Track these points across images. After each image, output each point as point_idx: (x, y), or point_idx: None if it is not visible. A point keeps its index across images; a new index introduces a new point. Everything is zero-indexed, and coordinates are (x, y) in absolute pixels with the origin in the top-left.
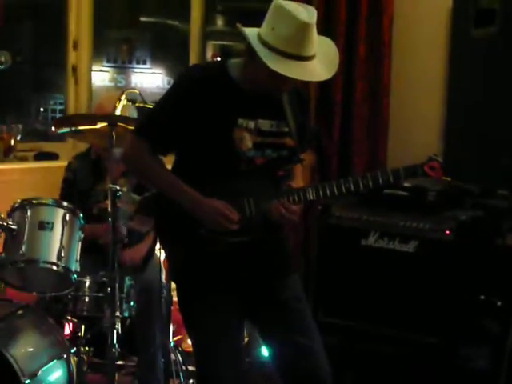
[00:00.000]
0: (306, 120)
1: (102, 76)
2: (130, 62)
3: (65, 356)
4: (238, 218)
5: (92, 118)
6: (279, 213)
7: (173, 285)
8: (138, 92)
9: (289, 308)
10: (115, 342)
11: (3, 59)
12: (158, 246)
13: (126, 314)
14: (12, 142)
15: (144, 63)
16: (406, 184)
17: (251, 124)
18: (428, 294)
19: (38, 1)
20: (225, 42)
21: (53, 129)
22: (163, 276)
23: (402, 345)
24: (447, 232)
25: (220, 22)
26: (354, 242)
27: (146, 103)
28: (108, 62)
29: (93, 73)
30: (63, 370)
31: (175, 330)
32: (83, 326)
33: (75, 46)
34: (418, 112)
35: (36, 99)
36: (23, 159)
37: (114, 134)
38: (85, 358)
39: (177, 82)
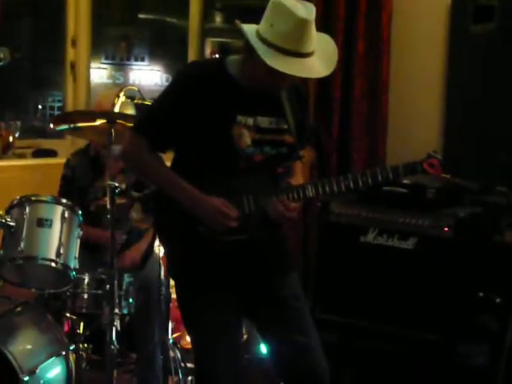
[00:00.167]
0: (305, 117)
1: (100, 73)
2: (129, 59)
3: (63, 353)
4: (237, 215)
5: (91, 115)
6: (278, 210)
7: (172, 282)
8: (136, 89)
9: (287, 306)
10: (114, 339)
11: (2, 56)
12: (157, 243)
13: (125, 311)
14: (10, 138)
15: (142, 60)
16: (405, 181)
17: (250, 121)
18: (427, 290)
19: None
20: (223, 39)
21: (51, 126)
22: (162, 273)
23: (401, 342)
24: (446, 229)
25: (218, 19)
26: (353, 238)
27: (144, 100)
28: (106, 59)
29: (91, 70)
30: (62, 366)
31: (174, 327)
32: (82, 323)
33: (74, 43)
34: (416, 108)
35: (34, 96)
36: (21, 156)
37: (112, 130)
38: (83, 355)
39: (175, 79)
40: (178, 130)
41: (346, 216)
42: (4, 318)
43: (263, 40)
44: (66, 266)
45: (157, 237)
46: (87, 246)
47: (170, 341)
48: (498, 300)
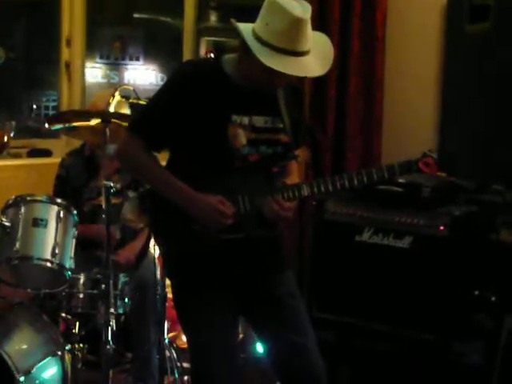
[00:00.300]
0: (301, 116)
1: (94, 72)
2: (123, 59)
3: (59, 353)
4: (233, 212)
5: (86, 115)
6: (273, 209)
7: (167, 281)
8: (131, 88)
9: (283, 304)
10: (110, 338)
11: None
12: (152, 242)
13: (121, 311)
14: (5, 138)
15: (137, 60)
16: (400, 180)
17: (245, 120)
18: (422, 289)
19: None
20: (218, 38)
21: (46, 125)
22: (158, 273)
23: (396, 341)
24: (441, 228)
25: (213, 18)
26: (348, 237)
27: (139, 100)
28: (101, 58)
29: (86, 69)
30: (57, 366)
31: (170, 327)
32: (77, 323)
33: (68, 43)
34: (412, 107)
35: (29, 96)
36: (17, 156)
37: (107, 130)
38: (79, 354)
39: (170, 79)
40: (173, 129)
41: (341, 215)
42: None
43: (259, 39)
44: (61, 266)
45: (152, 236)
46: (83, 245)
47: (166, 340)
48: (493, 298)
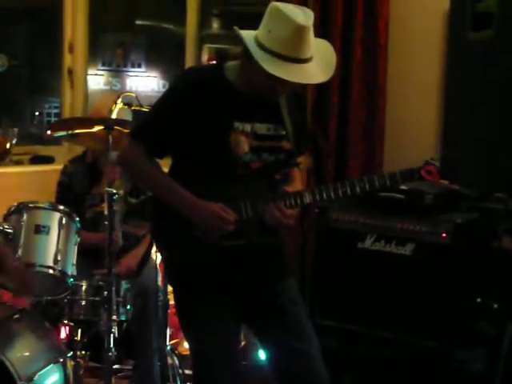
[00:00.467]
0: (304, 123)
1: (97, 79)
2: (125, 66)
3: (61, 360)
4: (235, 218)
5: (88, 122)
6: (275, 216)
7: (169, 288)
8: (134, 95)
9: (285, 311)
10: (112, 345)
11: None
12: (154, 249)
13: (123, 318)
14: (8, 145)
15: (139, 66)
16: (402, 187)
17: (248, 127)
18: (425, 296)
19: (34, 4)
20: (221, 45)
21: (48, 132)
22: (159, 279)
23: (399, 348)
24: (444, 235)
25: (216, 25)
26: (350, 244)
27: (142, 106)
28: (103, 65)
29: (88, 76)
30: (60, 374)
31: (172, 334)
32: (80, 330)
33: (71, 50)
34: (414, 114)
35: (31, 102)
36: (19, 163)
37: (110, 137)
38: (81, 362)
39: (173, 85)
40: (175, 136)
41: (343, 222)
42: (1, 325)
43: (261, 46)
44: (63, 273)
45: (154, 243)
46: (85, 252)
47: (168, 347)
48: (495, 306)
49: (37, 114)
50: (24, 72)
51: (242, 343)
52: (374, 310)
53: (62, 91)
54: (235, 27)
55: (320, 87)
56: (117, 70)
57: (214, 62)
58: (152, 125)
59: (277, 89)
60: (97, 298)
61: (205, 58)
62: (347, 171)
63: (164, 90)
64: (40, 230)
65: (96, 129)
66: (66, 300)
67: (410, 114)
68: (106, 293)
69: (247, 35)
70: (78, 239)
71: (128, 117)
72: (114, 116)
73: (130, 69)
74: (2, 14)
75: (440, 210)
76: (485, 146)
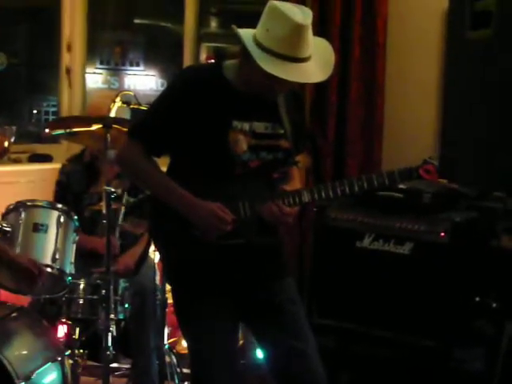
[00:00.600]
0: (302, 121)
1: (95, 78)
2: (124, 64)
3: (59, 358)
4: (232, 218)
5: (86, 120)
6: (272, 212)
7: (168, 287)
8: (132, 94)
9: (283, 310)
10: (110, 344)
11: None
12: (152, 248)
13: (121, 317)
14: (6, 143)
15: (137, 65)
16: (401, 186)
17: (246, 126)
18: (423, 295)
19: (33, 3)
20: (219, 44)
21: (47, 131)
22: (157, 278)
23: (397, 347)
24: (442, 234)
25: (214, 24)
26: (349, 243)
27: (140, 105)
28: (101, 63)
29: (86, 75)
30: (57, 372)
31: (170, 333)
32: (78, 329)
33: (69, 48)
34: (412, 113)
35: (29, 101)
36: (17, 161)
37: (108, 135)
38: (79, 360)
39: (171, 84)
40: (174, 134)
41: (342, 221)
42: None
43: (259, 45)
44: (61, 271)
45: (152, 242)
46: (82, 252)
47: (166, 346)
48: (494, 305)
49: (35, 112)
50: (22, 70)
51: (240, 342)
52: (373, 309)
53: (60, 90)
54: (233, 26)
55: (318, 86)
56: (115, 69)
57: (213, 60)
58: (150, 123)
59: (275, 88)
60: (95, 297)
61: (203, 56)
62: (346, 170)
63: (162, 88)
64: (38, 228)
65: (94, 127)
66: (64, 298)
67: (408, 113)
68: (104, 291)
69: (245, 34)
70: (77, 238)
71: (126, 115)
72: (112, 114)
73: (128, 67)
74: (1, 14)
75: (438, 209)
76: (483, 144)
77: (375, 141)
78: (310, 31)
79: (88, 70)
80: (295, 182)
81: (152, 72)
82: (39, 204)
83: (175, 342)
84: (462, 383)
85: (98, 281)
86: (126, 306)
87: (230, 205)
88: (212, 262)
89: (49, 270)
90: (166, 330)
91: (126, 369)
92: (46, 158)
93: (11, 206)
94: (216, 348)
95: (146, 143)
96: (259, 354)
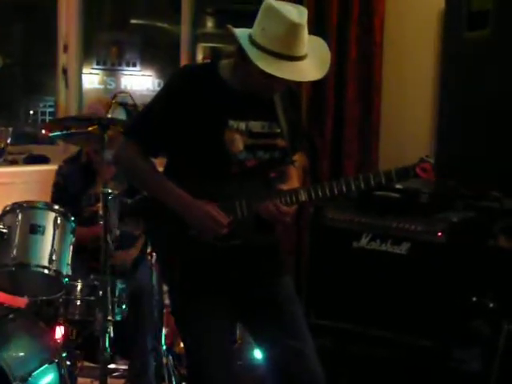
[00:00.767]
0: (299, 120)
1: (91, 78)
2: (120, 65)
3: (56, 360)
4: (228, 221)
5: (83, 121)
6: (269, 210)
7: (164, 288)
8: (129, 94)
9: (281, 309)
10: (107, 345)
11: None
12: (148, 249)
13: (118, 318)
14: (2, 145)
15: (134, 65)
16: (398, 186)
17: (242, 125)
18: (420, 295)
19: (29, 3)
20: (215, 44)
21: (43, 132)
22: (154, 279)
23: (395, 347)
24: (439, 234)
25: (210, 24)
26: (346, 243)
27: (136, 105)
28: (98, 64)
29: (83, 75)
30: (55, 374)
31: (167, 334)
32: (75, 330)
33: (65, 49)
34: (409, 112)
35: (25, 102)
36: (13, 162)
37: (105, 136)
38: (76, 361)
39: (167, 83)
40: (170, 134)
41: (339, 221)
42: None
43: (255, 44)
44: (58, 273)
45: (149, 242)
46: (80, 251)
47: (163, 347)
48: (491, 305)
49: (31, 112)
50: (18, 71)
51: (238, 342)
52: (370, 309)
53: (56, 90)
54: (228, 26)
55: (315, 85)
56: (111, 69)
57: (209, 60)
58: (146, 123)
59: (271, 86)
60: (92, 298)
61: (199, 56)
62: (342, 169)
63: (159, 88)
64: (35, 229)
65: (91, 128)
66: (61, 300)
67: (405, 112)
68: (101, 293)
69: (241, 33)
70: (73, 239)
71: (123, 116)
72: (108, 115)
73: (124, 68)
74: None
75: (435, 209)
76: (480, 143)
77: (372, 140)
78: (305, 30)
79: (84, 70)
80: (293, 181)
81: (148, 72)
82: (36, 205)
83: (172, 343)
84: (459, 383)
85: (95, 282)
86: (123, 307)
87: (226, 204)
88: (209, 261)
89: (45, 271)
90: (163, 331)
91: (124, 370)
92: (42, 159)
93: (8, 208)
94: (213, 347)
95: (142, 143)
96: (257, 354)
